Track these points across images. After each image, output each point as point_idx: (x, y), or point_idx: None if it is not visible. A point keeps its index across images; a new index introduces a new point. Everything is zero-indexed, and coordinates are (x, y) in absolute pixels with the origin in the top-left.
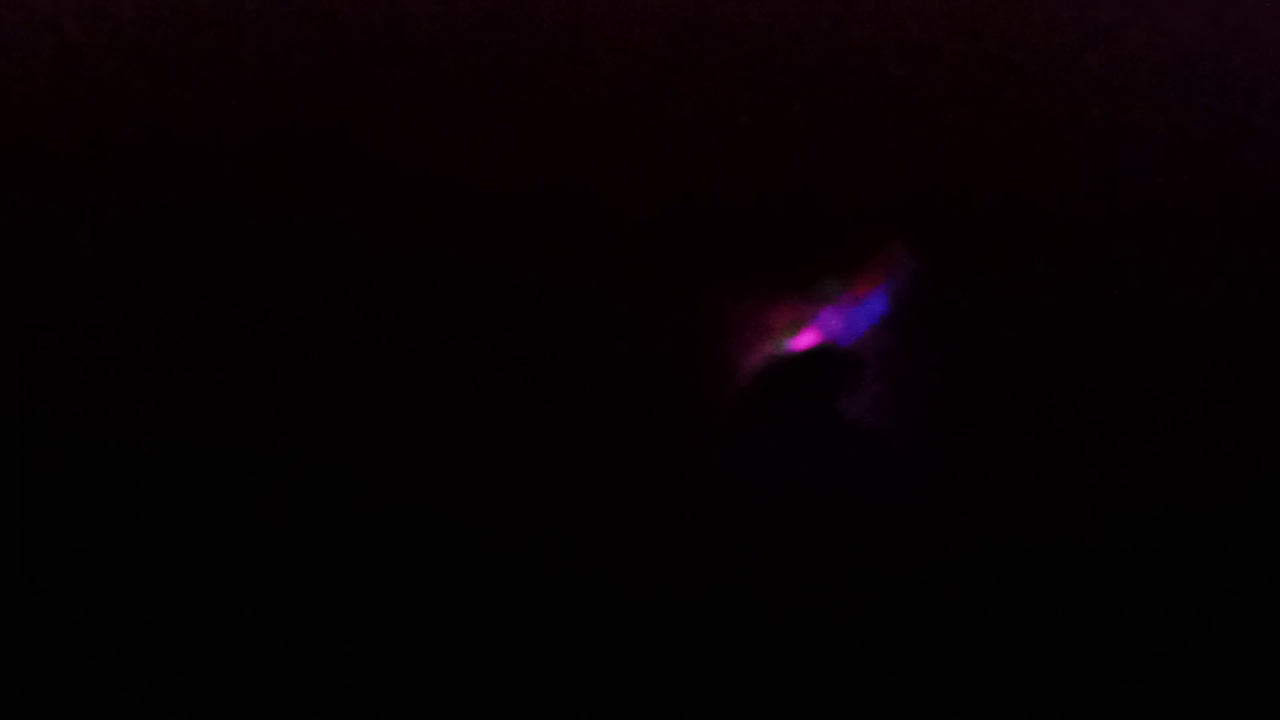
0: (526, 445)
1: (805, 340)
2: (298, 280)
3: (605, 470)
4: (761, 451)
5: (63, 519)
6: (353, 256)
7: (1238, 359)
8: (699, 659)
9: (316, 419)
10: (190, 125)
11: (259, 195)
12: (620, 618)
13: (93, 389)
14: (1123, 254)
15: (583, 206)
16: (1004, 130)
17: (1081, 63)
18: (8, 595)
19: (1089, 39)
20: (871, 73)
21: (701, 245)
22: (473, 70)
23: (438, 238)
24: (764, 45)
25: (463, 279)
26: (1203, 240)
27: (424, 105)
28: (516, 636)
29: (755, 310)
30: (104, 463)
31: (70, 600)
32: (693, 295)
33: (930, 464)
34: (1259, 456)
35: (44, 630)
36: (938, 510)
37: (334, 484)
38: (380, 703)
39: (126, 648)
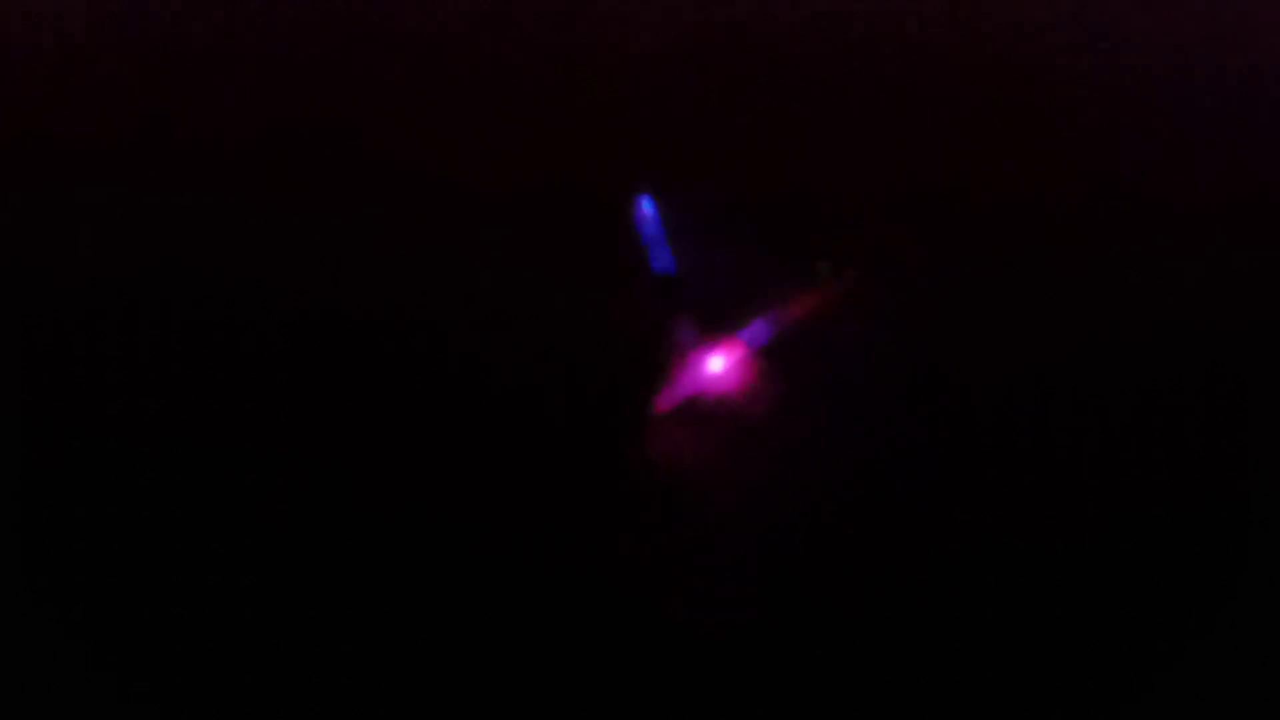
0: (524, 442)
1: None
2: (296, 279)
3: (604, 468)
4: (763, 452)
5: (62, 518)
6: (352, 255)
7: (1238, 359)
8: (698, 657)
9: (314, 416)
10: (190, 125)
11: (259, 195)
12: (618, 617)
13: (92, 388)
14: (1123, 254)
15: (582, 206)
16: (1004, 130)
17: (1081, 63)
18: (8, 595)
19: (1089, 39)
20: (871, 73)
21: (701, 244)
22: (473, 70)
23: (435, 236)
24: (764, 45)
25: (462, 277)
26: (1203, 240)
27: (424, 105)
28: (515, 634)
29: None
30: (103, 461)
31: (70, 600)
32: (692, 292)
33: (930, 464)
34: (1259, 456)
35: (44, 630)
36: (938, 510)
37: (332, 481)
38: (380, 702)
39: (126, 647)
